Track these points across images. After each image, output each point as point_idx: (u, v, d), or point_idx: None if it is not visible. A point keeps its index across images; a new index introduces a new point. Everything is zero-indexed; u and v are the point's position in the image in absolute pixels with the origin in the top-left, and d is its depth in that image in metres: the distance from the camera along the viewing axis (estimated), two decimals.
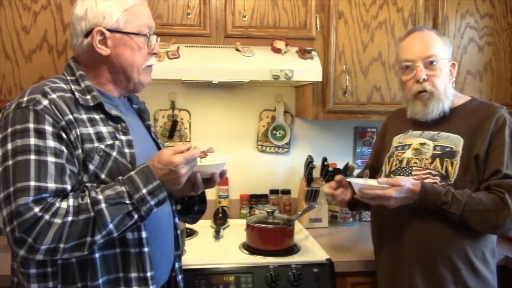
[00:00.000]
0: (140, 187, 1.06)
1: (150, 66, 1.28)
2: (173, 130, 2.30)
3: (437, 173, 1.46)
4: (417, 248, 1.45)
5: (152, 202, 1.07)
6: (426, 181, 1.45)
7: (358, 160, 2.50)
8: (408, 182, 1.39)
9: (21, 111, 1.06)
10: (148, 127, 1.38)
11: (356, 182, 1.47)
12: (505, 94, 2.20)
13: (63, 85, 1.16)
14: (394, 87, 2.12)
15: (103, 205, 1.02)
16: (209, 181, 1.28)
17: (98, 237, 1.03)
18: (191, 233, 2.09)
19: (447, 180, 1.43)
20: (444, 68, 1.51)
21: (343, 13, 2.07)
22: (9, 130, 1.05)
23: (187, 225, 1.95)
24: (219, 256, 1.88)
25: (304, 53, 1.98)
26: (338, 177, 1.64)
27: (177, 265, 1.37)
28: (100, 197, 1.03)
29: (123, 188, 1.05)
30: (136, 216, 1.06)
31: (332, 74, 2.08)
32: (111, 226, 1.03)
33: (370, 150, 2.49)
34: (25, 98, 1.08)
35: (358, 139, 2.50)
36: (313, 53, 2.00)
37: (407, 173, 1.51)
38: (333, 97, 2.09)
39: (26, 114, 1.05)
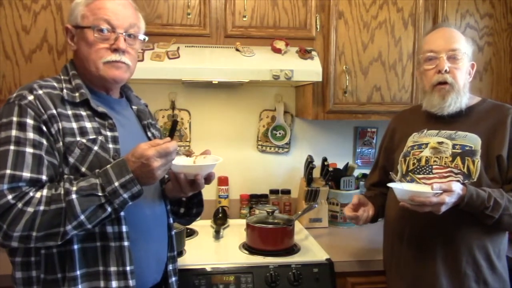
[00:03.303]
0: (112, 179, 1.06)
1: (116, 62, 1.22)
2: (173, 130, 2.29)
3: (459, 171, 1.46)
4: (442, 246, 1.44)
5: (125, 195, 1.07)
6: (448, 179, 1.44)
7: (358, 160, 2.50)
8: (458, 188, 1.34)
9: (8, 106, 1.13)
10: (144, 127, 1.37)
11: (402, 189, 1.38)
12: (505, 94, 2.20)
13: (55, 84, 1.20)
14: (394, 87, 2.12)
15: (73, 196, 1.04)
16: (194, 183, 1.26)
17: (69, 228, 1.04)
18: (191, 233, 2.09)
19: (470, 179, 1.44)
20: (466, 64, 1.52)
21: (343, 13, 2.07)
22: None
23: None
24: (219, 256, 1.88)
25: (304, 53, 1.98)
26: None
27: (170, 267, 1.36)
28: (73, 188, 1.05)
29: (97, 181, 1.06)
30: (109, 209, 1.07)
31: (332, 74, 2.08)
32: (82, 217, 1.04)
33: (370, 150, 2.50)
34: (14, 95, 1.14)
35: (358, 139, 2.50)
36: (313, 53, 2.00)
37: (427, 171, 1.50)
38: (333, 97, 2.09)
39: (12, 109, 1.11)
